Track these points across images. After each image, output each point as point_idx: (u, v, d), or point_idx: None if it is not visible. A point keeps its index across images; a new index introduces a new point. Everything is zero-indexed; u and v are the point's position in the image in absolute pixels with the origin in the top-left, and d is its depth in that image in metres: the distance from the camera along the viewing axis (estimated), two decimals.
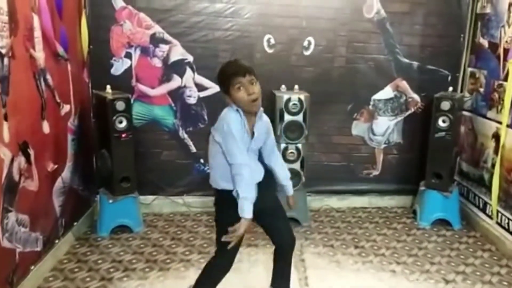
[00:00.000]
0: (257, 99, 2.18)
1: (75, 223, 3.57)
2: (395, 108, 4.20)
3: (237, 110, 2.21)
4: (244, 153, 2.19)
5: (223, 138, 2.19)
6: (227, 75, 2.18)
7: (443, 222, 3.91)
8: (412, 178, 4.20)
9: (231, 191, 2.20)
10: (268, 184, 2.39)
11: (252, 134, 2.27)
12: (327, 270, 3.18)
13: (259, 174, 2.34)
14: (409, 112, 4.22)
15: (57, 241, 3.23)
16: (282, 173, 2.50)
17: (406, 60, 4.09)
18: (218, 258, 2.38)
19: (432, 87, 4.00)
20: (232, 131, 2.16)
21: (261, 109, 2.30)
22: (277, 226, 2.49)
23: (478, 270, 3.21)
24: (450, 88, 3.88)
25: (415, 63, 4.11)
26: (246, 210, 2.14)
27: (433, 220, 3.91)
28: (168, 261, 3.25)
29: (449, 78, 4.12)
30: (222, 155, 2.22)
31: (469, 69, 4.06)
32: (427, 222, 3.92)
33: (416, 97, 4.18)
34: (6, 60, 2.48)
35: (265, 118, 2.37)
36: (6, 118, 2.49)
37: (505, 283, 3.04)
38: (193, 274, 2.80)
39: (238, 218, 2.16)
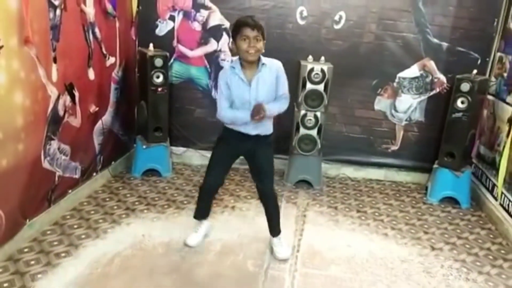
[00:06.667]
0: (254, 52, 2.51)
1: (113, 162, 4.09)
2: (420, 87, 4.28)
3: (233, 66, 2.61)
4: (224, 103, 2.65)
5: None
6: (238, 25, 2.52)
7: (452, 201, 4.02)
8: (430, 157, 4.25)
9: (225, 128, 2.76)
10: (263, 143, 2.76)
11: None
12: (324, 226, 3.46)
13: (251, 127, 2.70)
14: (434, 92, 4.28)
15: (94, 174, 3.76)
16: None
17: (436, 40, 4.15)
18: (205, 178, 2.90)
19: (460, 69, 4.03)
20: (220, 83, 2.64)
21: (263, 62, 2.61)
22: (261, 178, 2.86)
23: (468, 243, 3.35)
24: (474, 71, 3.91)
25: (445, 44, 4.15)
26: (244, 117, 2.59)
27: (441, 197, 4.04)
28: (185, 202, 3.68)
29: (479, 61, 4.13)
30: None
31: (498, 54, 4.06)
32: (435, 199, 4.05)
33: (443, 77, 4.23)
34: (58, 11, 2.94)
35: (268, 69, 2.62)
36: (55, 61, 2.96)
37: (490, 257, 3.17)
38: None
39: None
